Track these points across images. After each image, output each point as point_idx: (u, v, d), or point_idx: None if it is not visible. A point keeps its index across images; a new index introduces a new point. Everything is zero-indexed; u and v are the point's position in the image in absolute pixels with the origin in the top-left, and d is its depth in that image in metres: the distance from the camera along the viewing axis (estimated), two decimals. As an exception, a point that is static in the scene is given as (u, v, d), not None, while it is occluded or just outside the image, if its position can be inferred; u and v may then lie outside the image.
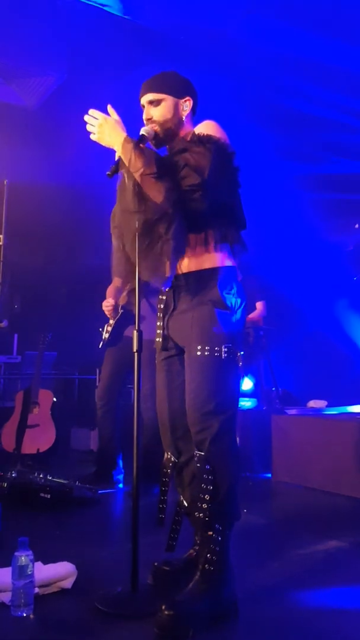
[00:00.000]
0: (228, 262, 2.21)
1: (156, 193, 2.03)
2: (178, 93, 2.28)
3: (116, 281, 4.09)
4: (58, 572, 2.17)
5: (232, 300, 2.18)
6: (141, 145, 2.13)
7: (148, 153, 2.09)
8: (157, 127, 2.26)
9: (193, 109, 2.33)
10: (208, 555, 1.99)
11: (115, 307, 3.87)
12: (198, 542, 2.08)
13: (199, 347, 2.11)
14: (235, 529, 2.07)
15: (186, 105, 2.29)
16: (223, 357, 2.10)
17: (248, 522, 3.08)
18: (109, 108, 2.20)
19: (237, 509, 2.08)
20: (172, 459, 2.27)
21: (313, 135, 5.58)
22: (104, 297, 4.01)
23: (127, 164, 2.09)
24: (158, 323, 2.30)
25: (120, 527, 3.23)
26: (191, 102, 2.30)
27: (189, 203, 2.06)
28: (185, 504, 2.28)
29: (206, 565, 1.99)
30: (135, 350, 2.18)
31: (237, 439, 2.17)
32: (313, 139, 5.64)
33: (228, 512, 2.04)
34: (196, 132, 2.16)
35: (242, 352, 2.16)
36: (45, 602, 2.06)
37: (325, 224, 6.48)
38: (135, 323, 2.22)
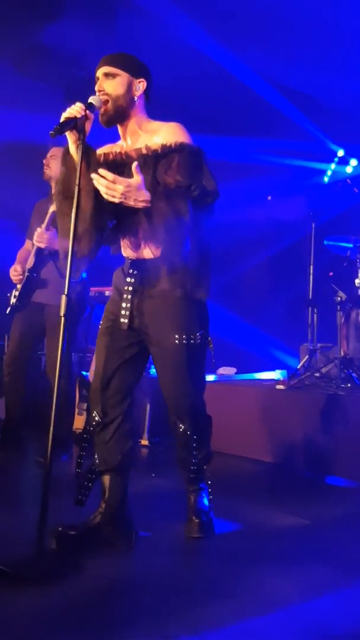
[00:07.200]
0: (197, 252, 2.33)
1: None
2: (134, 72, 2.37)
3: (27, 244, 3.97)
4: None
5: (203, 288, 2.38)
6: (88, 112, 2.21)
7: (175, 197, 2.20)
8: (109, 103, 2.32)
9: (147, 94, 2.41)
10: (200, 494, 2.52)
11: (23, 273, 3.77)
12: (189, 489, 2.53)
13: (176, 336, 2.33)
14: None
15: (140, 85, 2.38)
16: (197, 344, 2.36)
17: (154, 484, 3.12)
18: (134, 167, 2.18)
19: (210, 455, 2.56)
20: (97, 418, 2.38)
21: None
22: (11, 261, 3.89)
23: (167, 218, 2.19)
24: (124, 304, 2.39)
25: (25, 494, 3.19)
26: (145, 84, 2.39)
27: (203, 216, 2.28)
28: (98, 462, 2.37)
29: (201, 494, 2.53)
30: (62, 314, 2.19)
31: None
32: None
33: (205, 463, 2.54)
34: (176, 141, 2.26)
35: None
36: None
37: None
38: (65, 288, 2.20)
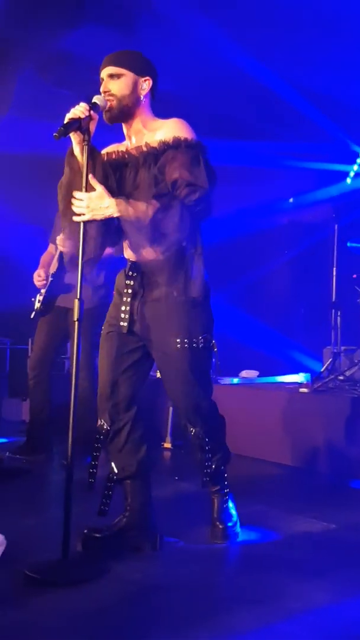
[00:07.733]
0: (197, 252, 2.29)
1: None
2: (139, 71, 2.31)
3: (51, 248, 4.01)
4: (-13, 543, 2.15)
5: (203, 289, 2.31)
6: (93, 112, 2.17)
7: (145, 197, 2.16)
8: (113, 102, 2.27)
9: (152, 92, 2.35)
10: (223, 497, 2.48)
11: (46, 278, 3.81)
12: (206, 492, 2.47)
13: (178, 340, 2.27)
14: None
15: (145, 84, 2.31)
16: (200, 347, 2.29)
17: (178, 487, 3.13)
18: (91, 179, 2.16)
19: (228, 456, 2.51)
20: (105, 426, 2.35)
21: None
22: (37, 265, 3.93)
23: (131, 220, 2.16)
24: (123, 307, 2.34)
25: (50, 497, 3.22)
26: (150, 82, 2.32)
27: (194, 214, 2.21)
28: (116, 471, 2.34)
29: (224, 497, 2.49)
30: (75, 319, 2.17)
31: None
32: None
33: (223, 464, 2.47)
34: (173, 136, 2.20)
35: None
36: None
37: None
38: (77, 292, 2.21)
